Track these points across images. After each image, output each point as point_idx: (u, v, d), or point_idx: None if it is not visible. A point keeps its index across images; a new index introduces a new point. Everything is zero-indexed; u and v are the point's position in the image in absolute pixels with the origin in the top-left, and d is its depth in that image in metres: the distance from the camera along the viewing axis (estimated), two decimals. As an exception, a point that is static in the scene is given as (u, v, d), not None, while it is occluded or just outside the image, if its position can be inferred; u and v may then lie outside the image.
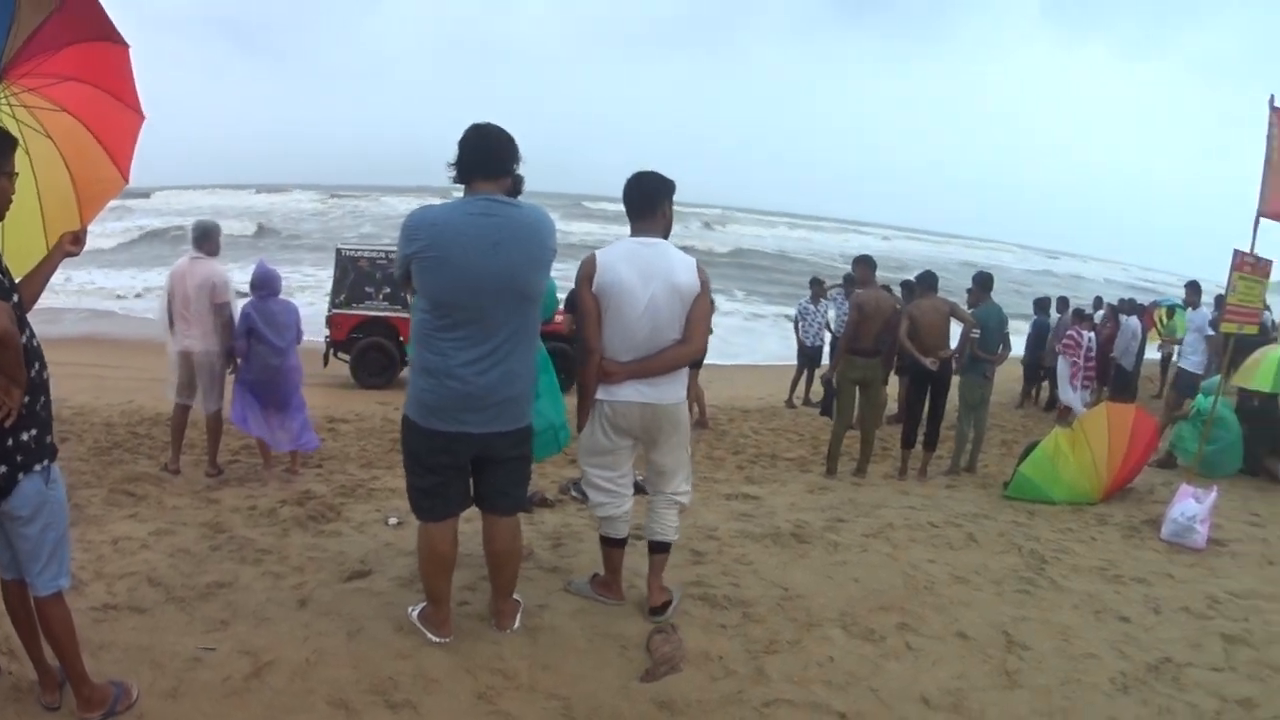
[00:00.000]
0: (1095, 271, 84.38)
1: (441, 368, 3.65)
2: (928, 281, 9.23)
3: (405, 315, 12.65)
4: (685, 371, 4.31)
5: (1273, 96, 6.94)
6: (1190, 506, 7.18)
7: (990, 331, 9.48)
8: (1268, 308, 19.82)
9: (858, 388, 8.96)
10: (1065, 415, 13.59)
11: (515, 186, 4.12)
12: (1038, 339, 15.92)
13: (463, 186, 3.76)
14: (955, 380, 9.44)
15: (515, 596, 4.35)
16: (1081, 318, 14.68)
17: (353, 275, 14.25)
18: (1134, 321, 15.29)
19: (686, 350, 4.16)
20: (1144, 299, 23.31)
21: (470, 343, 3.63)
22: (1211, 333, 12.50)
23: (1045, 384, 16.08)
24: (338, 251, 14.77)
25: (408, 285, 3.80)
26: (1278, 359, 9.32)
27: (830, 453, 9.09)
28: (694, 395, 11.63)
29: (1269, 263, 7.63)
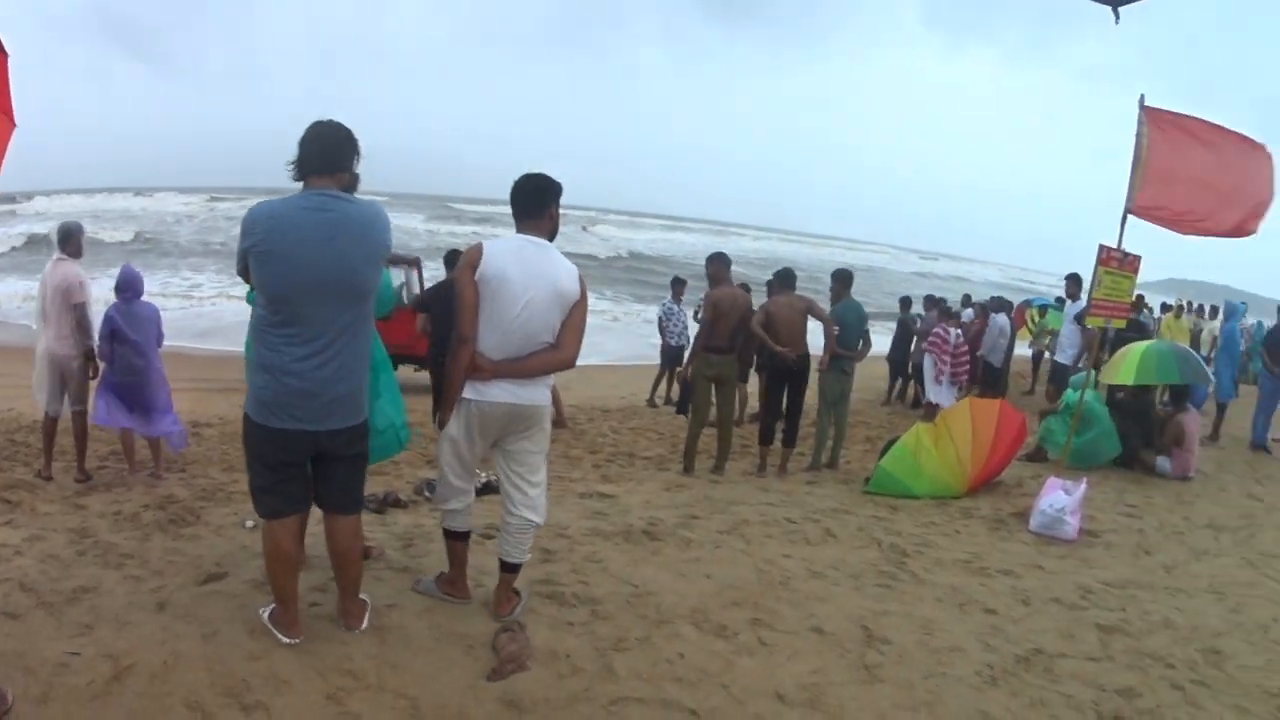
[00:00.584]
0: (975, 273, 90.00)
1: (277, 364, 3.81)
2: (785, 279, 9.59)
3: None
4: (552, 377, 4.55)
5: (1142, 96, 7.54)
6: (1059, 498, 7.46)
7: (849, 328, 9.88)
8: (1148, 307, 21.27)
9: (713, 385, 9.23)
10: (932, 413, 13.79)
11: (352, 184, 4.23)
12: (903, 336, 16.66)
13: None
14: (816, 376, 9.78)
15: (362, 596, 4.48)
16: (948, 315, 15.30)
17: None
18: (1002, 319, 16.03)
19: (558, 357, 4.37)
20: (1023, 299, 24.93)
21: (303, 338, 3.79)
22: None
23: (912, 381, 16.71)
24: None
25: (248, 279, 3.91)
26: (1140, 354, 10.10)
27: (687, 450, 9.35)
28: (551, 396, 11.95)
29: (1136, 258, 8.04)
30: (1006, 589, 5.89)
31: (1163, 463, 10.33)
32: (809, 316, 9.27)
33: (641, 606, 4.94)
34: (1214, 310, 20.89)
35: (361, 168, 4.14)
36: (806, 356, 9.26)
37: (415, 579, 5.03)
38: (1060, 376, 13.54)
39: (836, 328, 9.55)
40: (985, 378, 16.08)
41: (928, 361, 14.26)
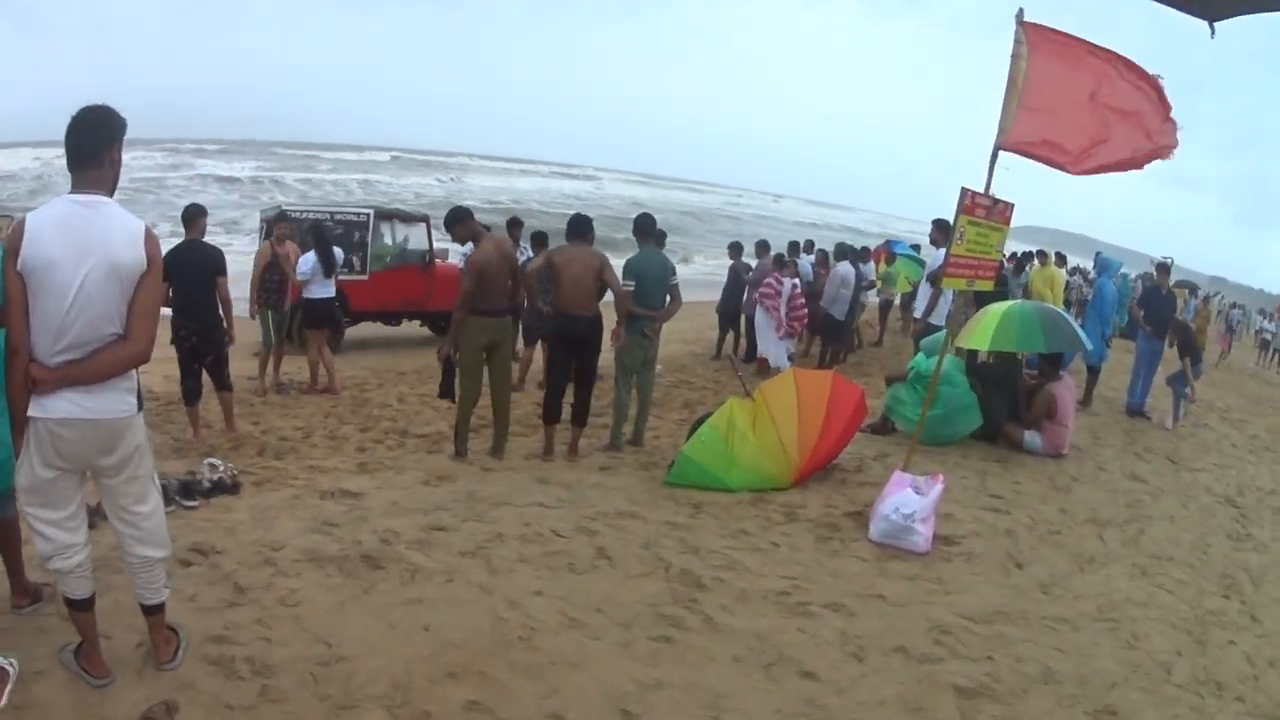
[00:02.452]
0: (837, 218, 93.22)
1: None
2: (577, 227, 8.96)
3: (355, 278, 15.48)
4: (133, 377, 3.96)
5: (1020, 11, 7.00)
6: (908, 500, 6.54)
7: (650, 283, 9.22)
8: (1017, 259, 20.95)
9: (485, 354, 8.70)
10: (765, 369, 13.93)
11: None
12: (734, 286, 16.38)
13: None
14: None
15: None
16: (782, 264, 15.04)
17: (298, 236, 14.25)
18: (844, 268, 15.70)
19: (127, 351, 3.81)
20: (885, 241, 25.20)
21: None
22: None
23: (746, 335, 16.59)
24: (279, 210, 15.64)
25: None
26: (999, 316, 9.54)
27: (458, 431, 8.82)
28: (315, 359, 12.22)
29: (1008, 206, 7.53)
30: (834, 635, 5.08)
31: (1032, 438, 9.87)
32: (601, 275, 8.77)
33: (327, 681, 4.24)
34: (1061, 261, 20.46)
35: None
36: (597, 318, 8.83)
37: (64, 642, 4.32)
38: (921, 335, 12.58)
39: (633, 283, 9.00)
40: (826, 331, 15.85)
41: (760, 314, 14.11)
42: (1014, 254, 18.71)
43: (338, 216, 16.24)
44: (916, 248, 21.25)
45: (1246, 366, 29.10)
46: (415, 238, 17.81)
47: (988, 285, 8.08)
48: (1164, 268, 14.45)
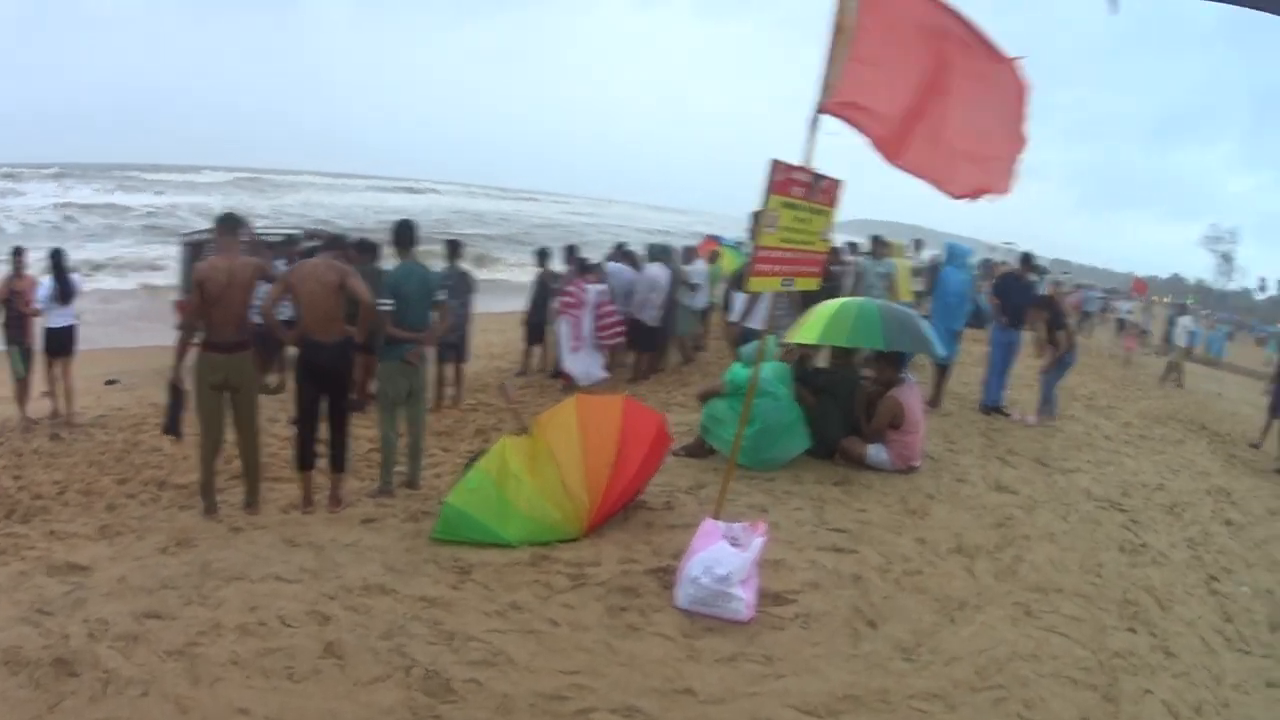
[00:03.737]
0: (668, 222, 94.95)
1: None
2: (331, 242, 8.87)
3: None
4: None
5: None
6: (722, 556, 5.52)
7: (410, 299, 8.73)
8: (852, 248, 20.36)
9: (225, 394, 8.13)
10: (571, 385, 13.36)
11: None
12: (541, 295, 15.72)
13: None
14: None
15: None
16: (585, 269, 14.58)
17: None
18: (655, 269, 15.31)
19: None
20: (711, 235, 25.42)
21: None
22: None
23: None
24: (187, 240, 17.52)
25: None
26: (834, 309, 9.10)
27: (203, 485, 8.20)
28: (55, 390, 12.30)
29: (835, 183, 6.65)
30: (626, 758, 4.07)
31: (877, 453, 9.15)
32: (344, 290, 8.18)
33: None
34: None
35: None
36: (345, 343, 8.29)
37: None
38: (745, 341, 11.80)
39: (390, 301, 8.52)
40: (639, 340, 15.25)
41: (561, 324, 13.67)
42: (876, 237, 18.09)
43: (266, 238, 16.73)
44: (740, 244, 20.53)
45: (1105, 347, 29.39)
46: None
47: (811, 284, 7.06)
48: (1027, 259, 14.19)
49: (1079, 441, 11.52)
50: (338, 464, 8.48)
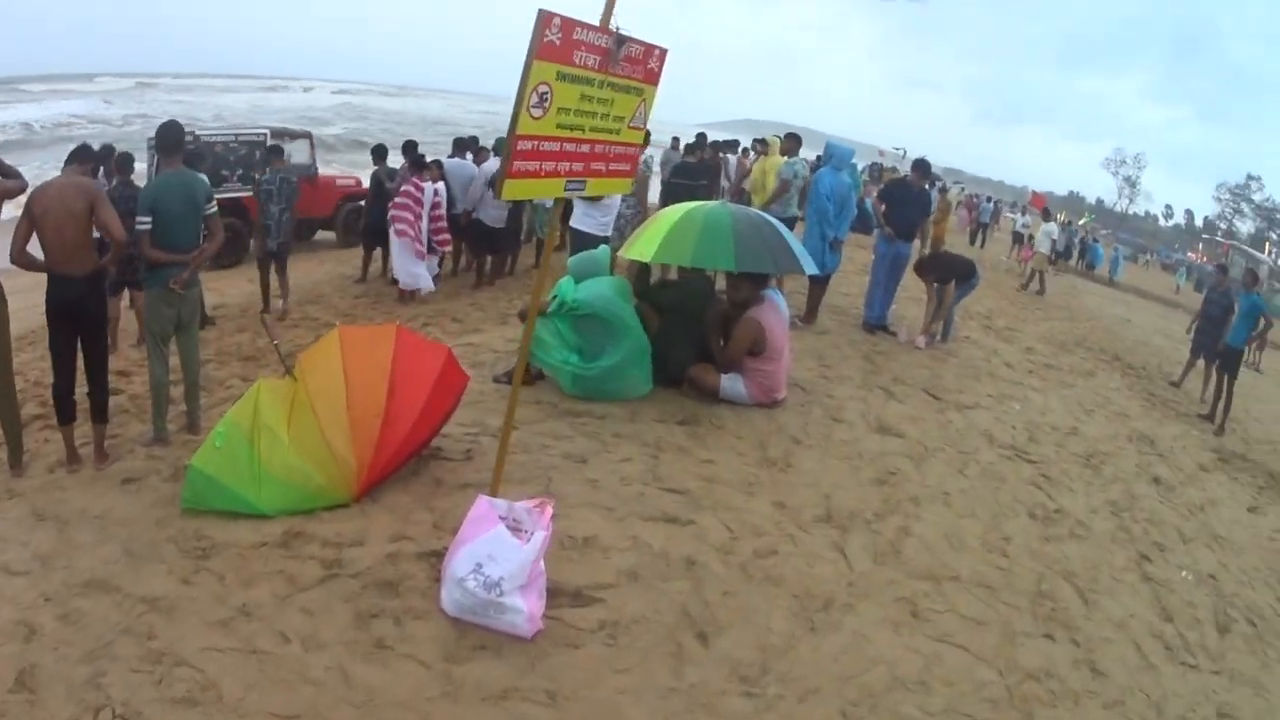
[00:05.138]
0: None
1: None
2: (164, 141, 7.67)
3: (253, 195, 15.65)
4: None
5: None
6: (498, 549, 4.22)
7: (172, 216, 7.55)
8: (700, 151, 19.01)
9: None
10: (406, 298, 13.06)
11: None
12: (377, 197, 14.74)
13: None
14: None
15: None
16: (422, 166, 13.51)
17: (209, 160, 16.31)
18: (492, 163, 14.19)
19: None
20: None
21: None
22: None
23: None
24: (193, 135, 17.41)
25: None
26: (674, 221, 7.98)
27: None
28: None
29: (652, 51, 5.31)
30: None
31: (732, 384, 7.91)
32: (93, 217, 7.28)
33: None
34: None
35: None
36: (97, 278, 7.41)
37: None
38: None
39: (148, 219, 7.39)
40: (477, 242, 14.37)
41: (394, 228, 12.84)
42: (758, 140, 16.84)
43: (241, 137, 18.92)
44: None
45: (1001, 261, 28.40)
46: (299, 153, 19.65)
47: (617, 186, 5.80)
48: (921, 165, 12.83)
49: (977, 370, 10.43)
50: (98, 413, 7.55)
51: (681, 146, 18.44)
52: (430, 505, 5.70)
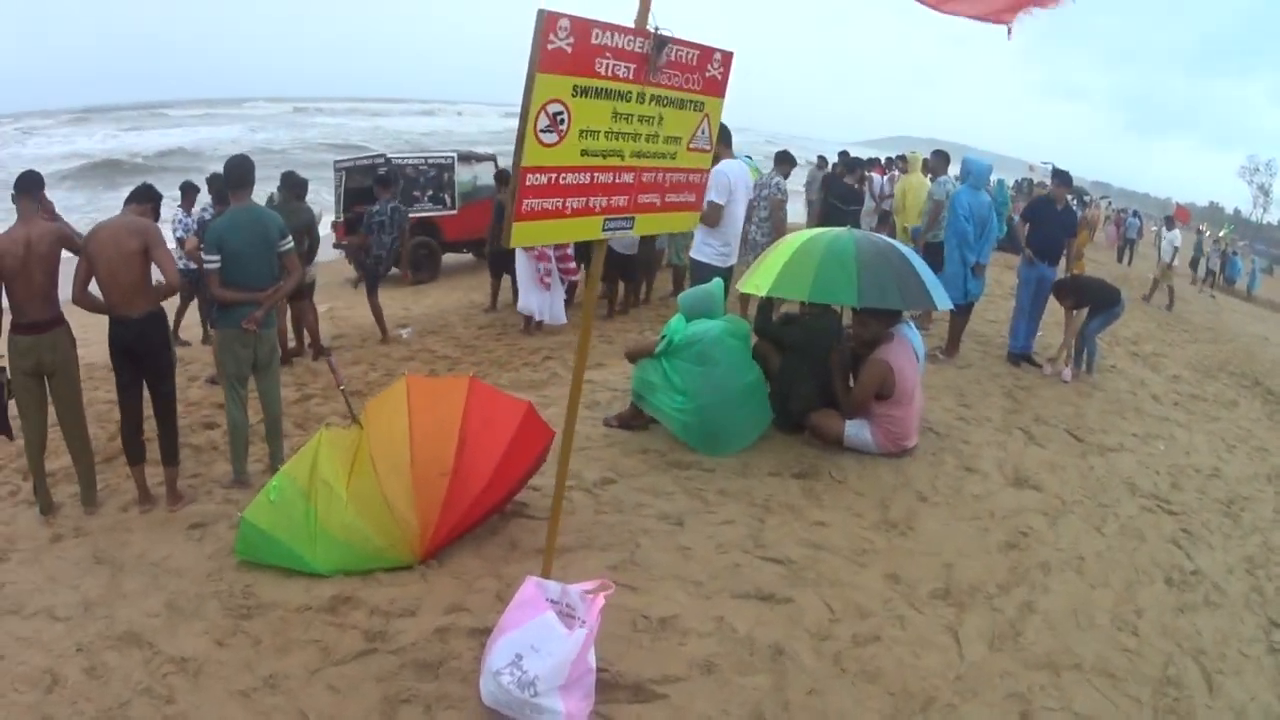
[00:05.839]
0: None
1: None
2: (138, 196, 7.65)
3: (447, 213, 19.95)
4: None
5: None
6: (543, 639, 3.74)
7: (243, 253, 7.42)
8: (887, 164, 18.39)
9: (40, 380, 7.22)
10: (531, 328, 12.54)
11: None
12: (501, 223, 13.75)
13: None
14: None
15: None
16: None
17: (401, 183, 17.32)
18: None
19: None
20: None
21: None
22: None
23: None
24: (385, 159, 20.13)
25: None
26: (793, 251, 7.38)
27: (35, 484, 7.32)
28: None
29: (715, 57, 4.47)
30: None
31: (857, 431, 7.23)
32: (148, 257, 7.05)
33: None
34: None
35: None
36: (155, 317, 7.16)
37: None
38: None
39: (216, 257, 7.30)
40: (605, 268, 12.84)
41: (520, 254, 12.34)
42: (898, 157, 16.27)
43: (430, 160, 20.37)
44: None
45: (1149, 281, 26.90)
46: (484, 175, 20.60)
47: (684, 222, 4.86)
48: (1062, 177, 11.74)
49: (1122, 404, 9.59)
50: (167, 457, 7.41)
51: (829, 166, 17.62)
52: (499, 572, 5.30)
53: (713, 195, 8.59)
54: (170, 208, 12.56)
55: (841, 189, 14.10)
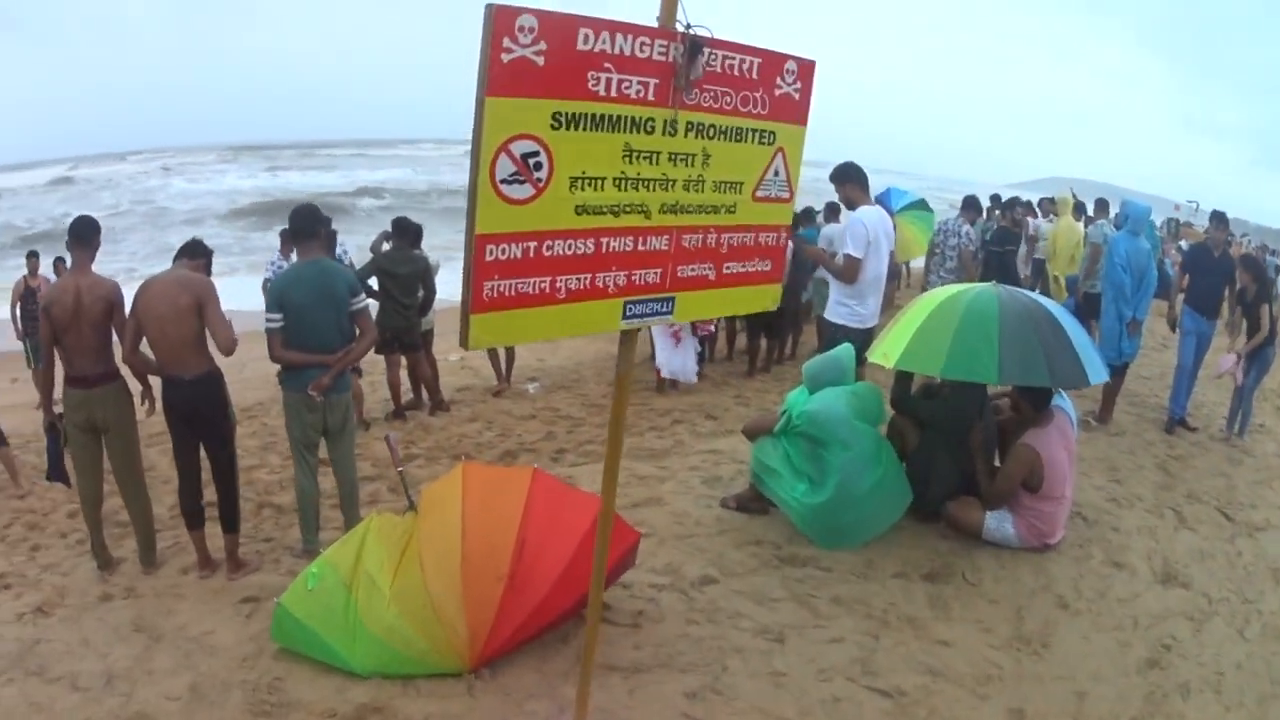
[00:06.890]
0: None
1: None
2: (189, 248, 7.38)
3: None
4: None
5: None
6: None
7: (308, 311, 7.04)
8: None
9: (95, 436, 7.11)
10: (663, 385, 11.96)
11: None
12: None
13: None
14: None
15: None
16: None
17: None
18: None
19: None
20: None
21: None
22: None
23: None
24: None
25: None
26: (926, 314, 6.44)
27: (92, 541, 7.27)
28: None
29: (790, 65, 3.49)
30: None
31: (998, 524, 6.38)
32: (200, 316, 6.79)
33: None
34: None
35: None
36: (209, 377, 6.88)
37: None
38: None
39: (279, 315, 6.89)
40: (748, 321, 13.10)
41: None
42: (1047, 200, 15.78)
43: None
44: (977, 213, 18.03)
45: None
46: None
47: (758, 300, 3.80)
48: (1219, 219, 10.90)
49: (1270, 472, 8.71)
50: (227, 524, 7.15)
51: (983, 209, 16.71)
52: (556, 691, 4.63)
53: (850, 248, 7.64)
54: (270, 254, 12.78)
55: (1001, 233, 13.38)
